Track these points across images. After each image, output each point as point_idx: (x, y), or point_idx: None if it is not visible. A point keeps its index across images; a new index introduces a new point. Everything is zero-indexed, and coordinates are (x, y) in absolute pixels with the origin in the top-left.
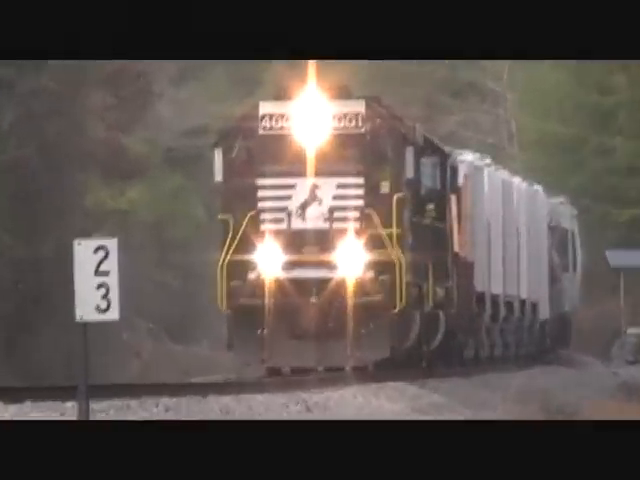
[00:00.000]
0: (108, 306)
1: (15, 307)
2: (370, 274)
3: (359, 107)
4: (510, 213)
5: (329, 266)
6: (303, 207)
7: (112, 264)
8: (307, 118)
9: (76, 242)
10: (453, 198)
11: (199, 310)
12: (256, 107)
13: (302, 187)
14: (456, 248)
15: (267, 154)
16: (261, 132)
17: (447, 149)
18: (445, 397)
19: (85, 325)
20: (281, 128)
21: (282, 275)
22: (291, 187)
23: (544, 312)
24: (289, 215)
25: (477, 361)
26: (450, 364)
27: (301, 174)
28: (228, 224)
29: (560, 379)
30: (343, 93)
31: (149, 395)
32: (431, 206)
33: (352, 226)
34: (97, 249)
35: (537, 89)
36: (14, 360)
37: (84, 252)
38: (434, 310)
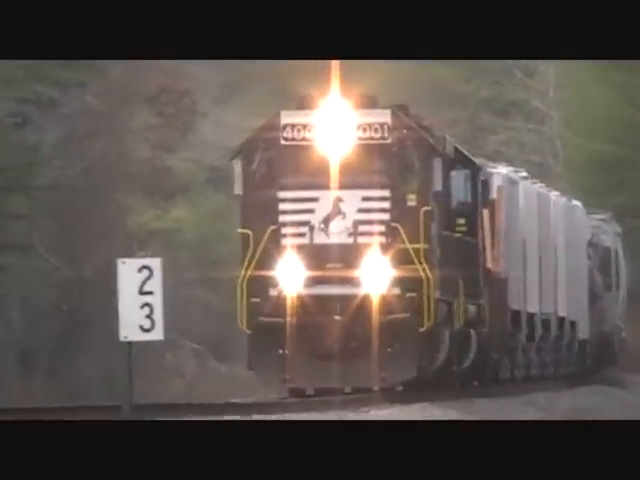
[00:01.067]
0: (152, 326)
1: (60, 327)
2: (396, 291)
3: (385, 117)
4: (547, 228)
5: (353, 282)
6: (326, 221)
7: (156, 284)
8: (330, 128)
9: (120, 262)
10: (485, 212)
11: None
12: (277, 117)
13: (325, 200)
14: (488, 264)
15: (289, 166)
16: (282, 143)
17: (479, 161)
18: (494, 417)
19: (129, 345)
20: (303, 139)
21: (304, 292)
22: (314, 200)
23: (584, 331)
24: (311, 229)
25: (513, 381)
26: (484, 384)
27: (324, 186)
28: (248, 239)
29: (607, 399)
30: (368, 102)
31: (193, 414)
32: (462, 220)
33: (377, 241)
34: (141, 269)
35: (583, 107)
36: (59, 380)
37: (128, 272)
38: (465, 328)
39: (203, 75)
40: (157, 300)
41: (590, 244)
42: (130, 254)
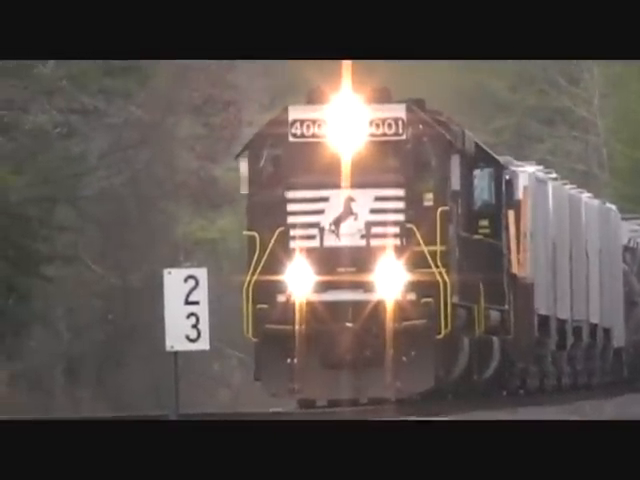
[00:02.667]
0: (198, 336)
1: (106, 337)
2: (411, 296)
3: (399, 111)
4: (579, 232)
5: (366, 287)
6: (337, 222)
7: (202, 294)
8: (342, 124)
9: (166, 272)
10: (511, 213)
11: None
12: (285, 112)
13: (336, 200)
14: (514, 268)
15: (297, 164)
16: (291, 139)
17: (503, 160)
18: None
19: (176, 354)
20: (313, 135)
21: (314, 297)
22: (324, 200)
23: (619, 339)
24: (321, 231)
25: (543, 391)
26: (511, 394)
27: (335, 186)
28: (254, 241)
29: None
30: (382, 96)
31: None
32: (485, 222)
33: (391, 243)
34: (187, 278)
35: (628, 115)
36: (106, 390)
37: (174, 282)
38: (487, 336)
39: (248, 83)
40: (203, 310)
41: (627, 249)
42: (176, 264)
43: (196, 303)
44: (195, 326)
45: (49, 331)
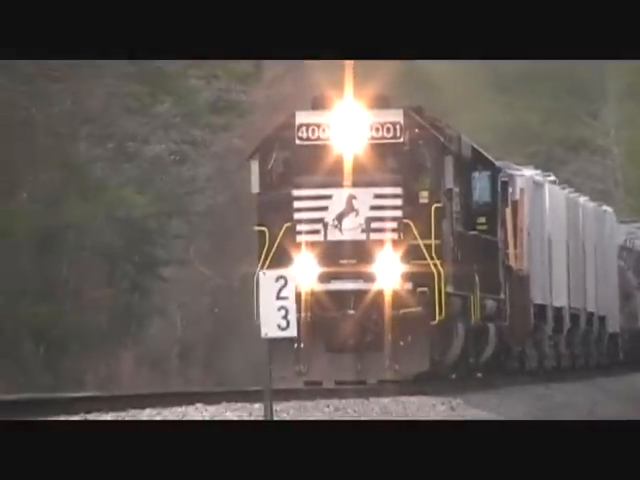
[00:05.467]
0: (287, 325)
1: (212, 327)
2: (408, 286)
3: (397, 116)
4: (575, 230)
5: (366, 278)
6: (340, 218)
7: (290, 291)
8: (344, 128)
9: (261, 273)
10: (508, 212)
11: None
12: (292, 117)
13: (339, 198)
14: (510, 261)
15: (303, 164)
16: (297, 142)
17: (500, 164)
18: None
19: (269, 341)
20: (317, 138)
21: (318, 287)
22: (328, 198)
23: (614, 325)
24: (325, 226)
25: (542, 371)
26: (510, 375)
27: (338, 185)
28: (264, 236)
29: None
30: (381, 102)
31: (322, 398)
32: (482, 219)
33: (390, 237)
34: (278, 278)
35: (639, 144)
36: (212, 369)
37: (267, 281)
38: (483, 322)
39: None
40: (291, 304)
41: (624, 248)
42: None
43: (285, 298)
44: (285, 317)
45: (166, 322)
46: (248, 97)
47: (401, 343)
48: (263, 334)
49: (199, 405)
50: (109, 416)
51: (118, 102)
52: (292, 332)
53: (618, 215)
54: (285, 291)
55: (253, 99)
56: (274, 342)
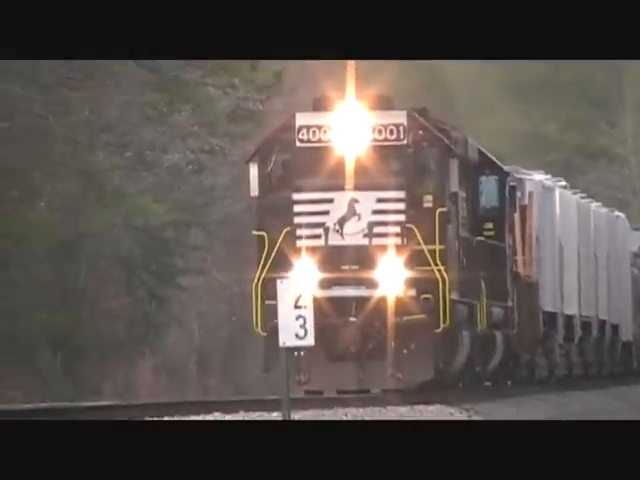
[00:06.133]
0: (305, 334)
1: (229, 335)
2: (412, 292)
3: (400, 118)
4: (587, 236)
5: (369, 284)
6: (341, 222)
7: (308, 300)
8: (346, 129)
9: (279, 281)
10: (517, 217)
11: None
12: (293, 118)
13: (340, 201)
14: (519, 267)
15: (304, 167)
16: (298, 144)
17: (508, 168)
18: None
19: (287, 349)
20: (318, 140)
21: (319, 294)
22: (329, 202)
23: (627, 334)
24: (326, 231)
25: (553, 380)
26: (519, 384)
27: (339, 188)
28: (263, 240)
29: None
30: (384, 103)
31: (339, 406)
32: (489, 225)
33: (393, 242)
34: (296, 287)
35: None
36: (230, 377)
37: (286, 290)
38: (489, 330)
39: None
40: (309, 313)
41: (638, 255)
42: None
43: (303, 307)
44: (302, 326)
45: (183, 330)
46: (266, 106)
47: (404, 351)
48: (281, 343)
49: (217, 414)
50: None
51: (136, 111)
52: (310, 341)
53: (635, 222)
54: (303, 300)
55: (272, 108)
56: (274, 351)
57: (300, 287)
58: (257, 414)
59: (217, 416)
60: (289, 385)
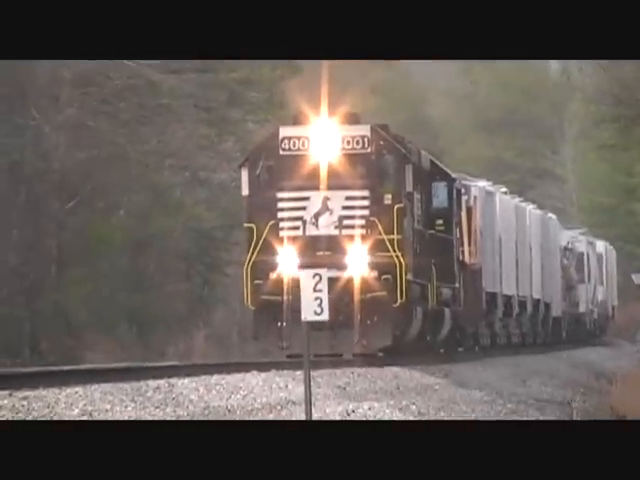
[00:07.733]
0: (321, 311)
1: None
2: (374, 274)
3: (365, 131)
4: (523, 231)
5: (339, 267)
6: (316, 216)
7: (324, 285)
8: (320, 141)
9: (301, 272)
10: (463, 215)
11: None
12: (277, 131)
13: (316, 199)
14: (465, 256)
15: (286, 171)
16: (281, 153)
17: (456, 175)
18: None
19: (307, 323)
20: (298, 149)
21: (298, 274)
22: (306, 199)
23: (557, 310)
24: (304, 223)
25: (494, 347)
26: (467, 350)
27: (315, 188)
28: (252, 231)
29: (602, 355)
30: (352, 119)
31: (346, 367)
32: (440, 221)
33: (359, 232)
34: (314, 275)
35: (589, 174)
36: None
37: (307, 278)
38: (439, 307)
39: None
40: (325, 295)
41: (567, 249)
42: None
43: (320, 291)
44: (320, 305)
45: (228, 308)
46: None
47: (368, 322)
48: (303, 318)
49: (254, 372)
50: (186, 380)
51: (193, 141)
52: (325, 316)
53: (571, 224)
54: (320, 285)
55: None
56: (262, 322)
57: (318, 276)
58: (285, 372)
59: (254, 374)
60: (309, 348)
